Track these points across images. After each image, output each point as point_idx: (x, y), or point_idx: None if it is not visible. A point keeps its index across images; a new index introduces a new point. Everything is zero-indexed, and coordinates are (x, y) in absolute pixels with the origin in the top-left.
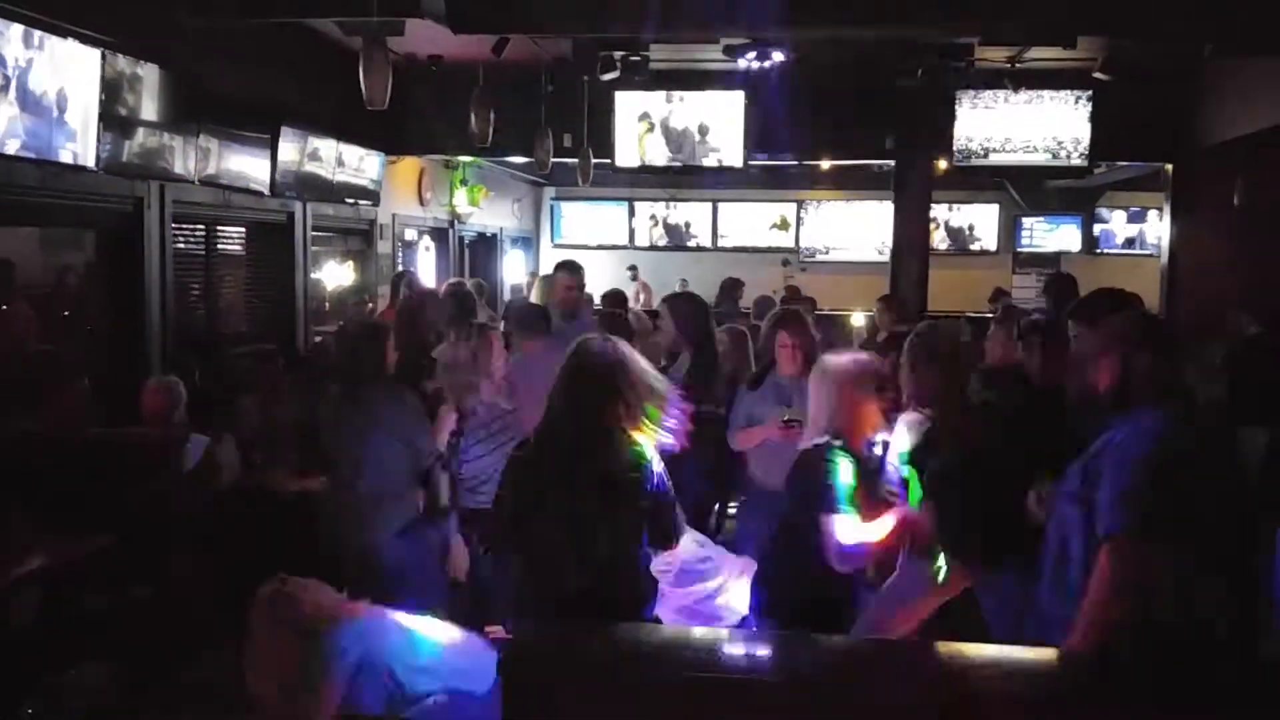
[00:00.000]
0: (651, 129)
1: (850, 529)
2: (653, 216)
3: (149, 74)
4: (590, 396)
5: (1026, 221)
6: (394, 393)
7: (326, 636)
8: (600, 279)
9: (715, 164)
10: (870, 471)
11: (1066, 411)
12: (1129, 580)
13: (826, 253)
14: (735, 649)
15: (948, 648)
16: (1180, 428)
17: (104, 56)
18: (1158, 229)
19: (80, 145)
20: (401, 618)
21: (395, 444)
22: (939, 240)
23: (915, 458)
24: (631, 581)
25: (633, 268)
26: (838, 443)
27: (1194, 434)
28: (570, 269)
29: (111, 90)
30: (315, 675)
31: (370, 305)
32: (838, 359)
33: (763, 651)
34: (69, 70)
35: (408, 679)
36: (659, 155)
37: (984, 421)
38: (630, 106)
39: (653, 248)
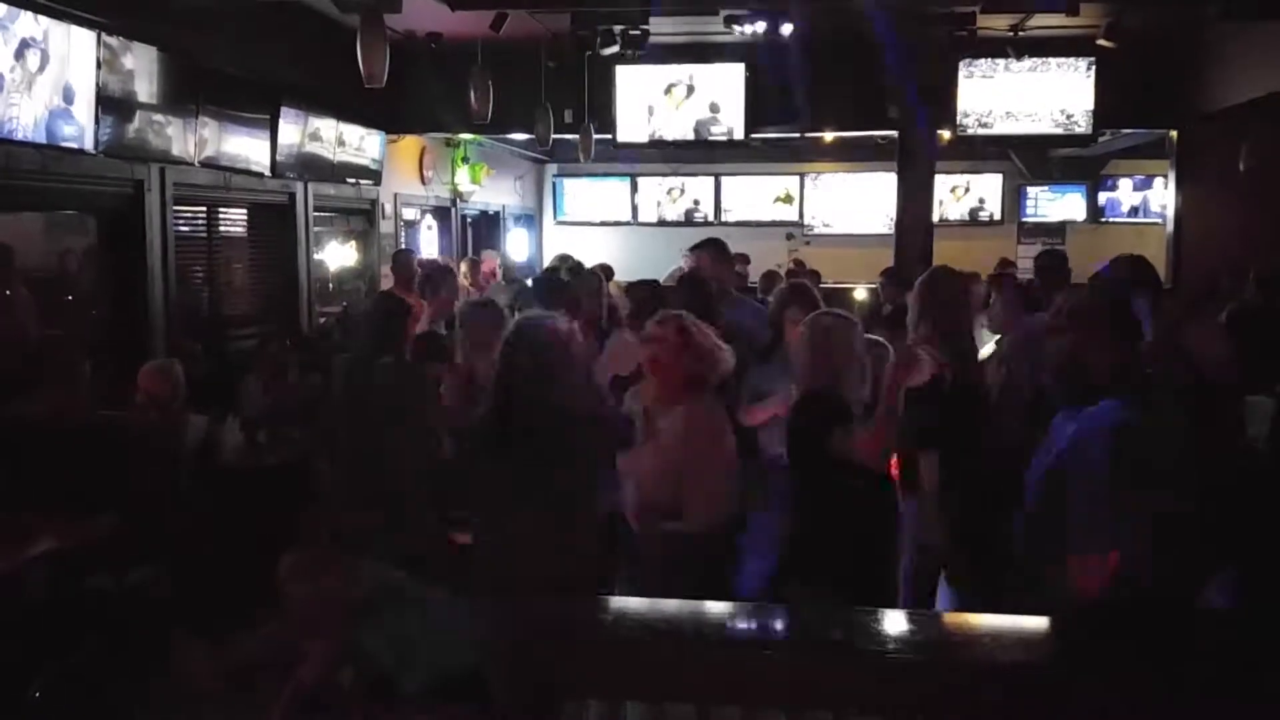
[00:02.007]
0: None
1: None
2: (670, 190)
3: (146, 55)
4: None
5: (1031, 191)
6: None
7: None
8: (602, 256)
9: (717, 137)
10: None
11: None
12: (1100, 589)
13: (830, 226)
14: (737, 620)
15: (952, 617)
16: (1138, 419)
17: (100, 38)
18: (1163, 196)
19: (78, 128)
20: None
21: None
22: (954, 212)
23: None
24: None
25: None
26: None
27: (1152, 423)
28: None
29: (108, 72)
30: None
31: (361, 289)
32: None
33: (764, 622)
34: (66, 53)
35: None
36: (666, 129)
37: None
38: (631, 81)
39: (661, 223)
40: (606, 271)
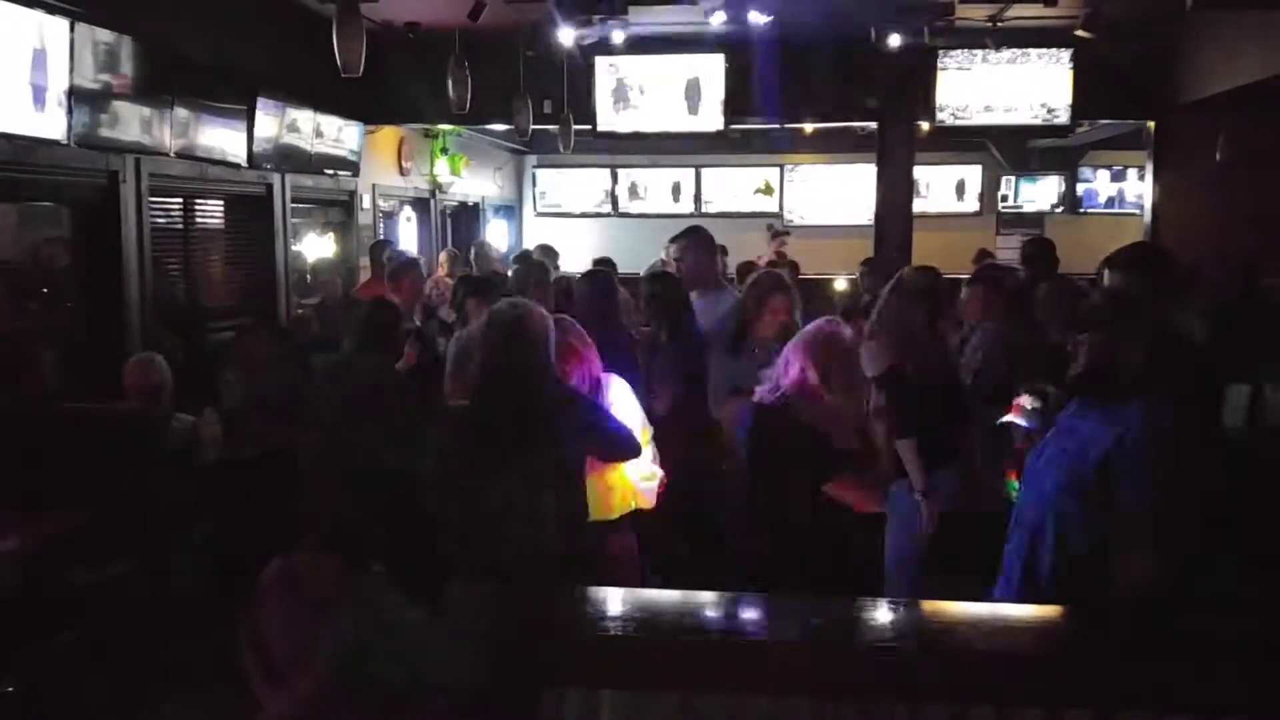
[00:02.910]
0: (656, 90)
1: None
2: (651, 181)
3: (120, 44)
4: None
5: (1009, 181)
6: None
7: (335, 608)
8: (586, 247)
9: (697, 128)
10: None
11: None
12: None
13: (805, 218)
14: (722, 611)
15: (931, 606)
16: (1184, 426)
17: (73, 27)
18: (1140, 187)
19: (51, 119)
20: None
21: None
22: (933, 204)
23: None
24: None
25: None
26: None
27: (1192, 429)
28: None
29: (82, 62)
30: (323, 647)
31: (338, 281)
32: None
33: (749, 613)
34: (38, 42)
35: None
36: (645, 120)
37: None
38: (610, 71)
39: (641, 214)
40: (554, 257)
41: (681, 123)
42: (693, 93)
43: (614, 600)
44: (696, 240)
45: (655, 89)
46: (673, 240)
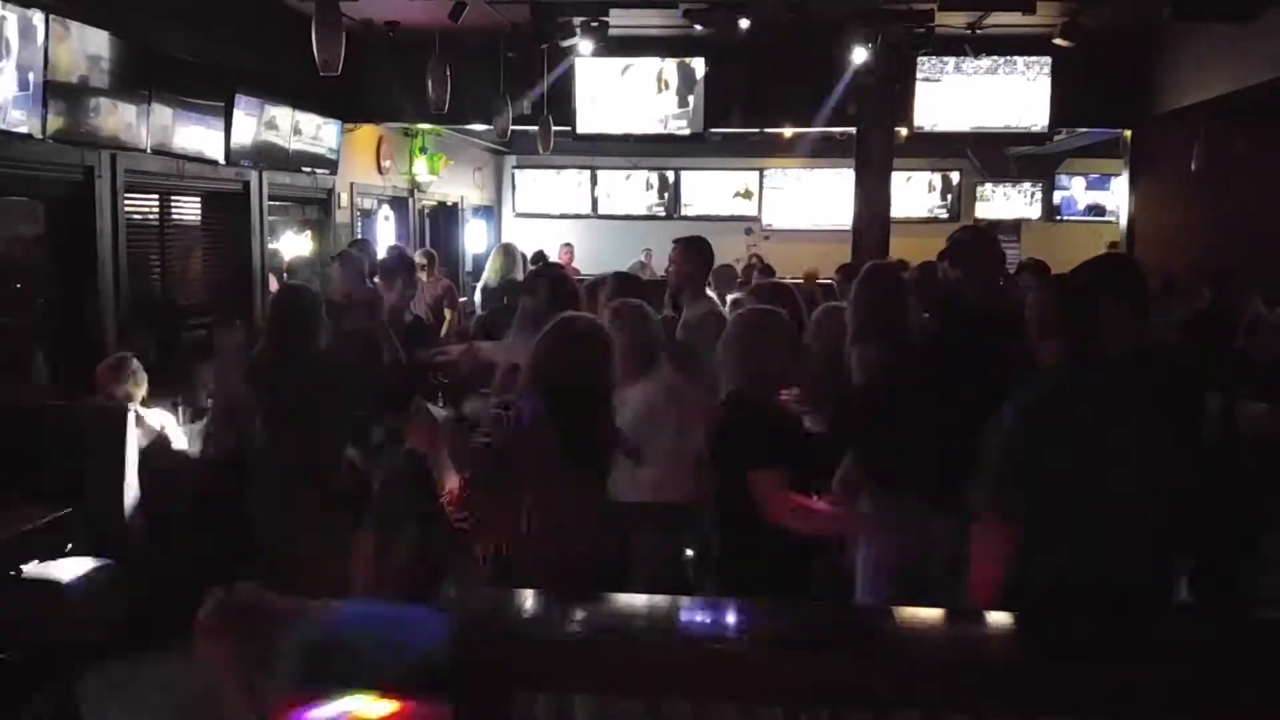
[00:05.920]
0: (636, 93)
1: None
2: (629, 178)
3: (97, 39)
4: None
5: (987, 188)
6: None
7: (271, 640)
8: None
9: (676, 131)
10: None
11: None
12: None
13: (786, 222)
14: (693, 617)
15: (906, 612)
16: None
17: (49, 21)
18: (1117, 195)
19: (26, 113)
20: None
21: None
22: (910, 209)
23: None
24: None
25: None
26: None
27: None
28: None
29: (58, 56)
30: (261, 679)
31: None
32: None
33: (722, 619)
34: (14, 36)
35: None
36: (625, 122)
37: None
38: (591, 73)
39: (621, 216)
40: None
41: (661, 125)
42: (673, 96)
43: (582, 604)
44: (694, 249)
45: (635, 92)
46: (676, 242)
